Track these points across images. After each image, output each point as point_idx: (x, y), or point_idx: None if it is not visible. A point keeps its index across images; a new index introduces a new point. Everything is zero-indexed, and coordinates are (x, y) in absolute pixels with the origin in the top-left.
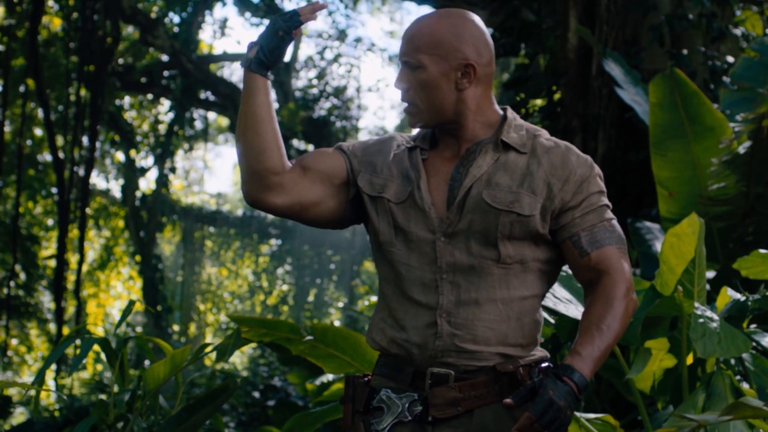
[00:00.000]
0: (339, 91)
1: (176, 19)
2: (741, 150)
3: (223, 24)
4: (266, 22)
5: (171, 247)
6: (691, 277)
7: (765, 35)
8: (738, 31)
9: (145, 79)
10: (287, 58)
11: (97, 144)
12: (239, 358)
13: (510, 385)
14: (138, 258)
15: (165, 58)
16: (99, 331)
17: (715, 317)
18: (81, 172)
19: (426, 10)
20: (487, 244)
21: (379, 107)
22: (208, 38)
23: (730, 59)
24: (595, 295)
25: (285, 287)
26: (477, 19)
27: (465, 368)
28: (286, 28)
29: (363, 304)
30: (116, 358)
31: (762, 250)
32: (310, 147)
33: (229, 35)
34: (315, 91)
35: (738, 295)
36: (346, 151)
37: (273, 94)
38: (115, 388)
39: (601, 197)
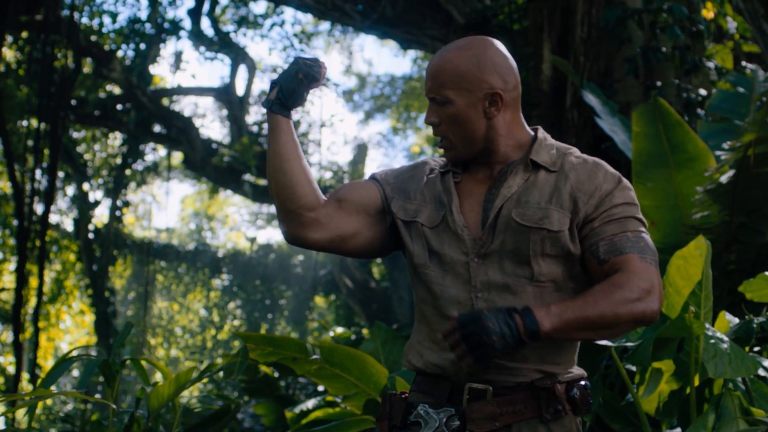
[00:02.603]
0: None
1: (130, 52)
2: (724, 179)
3: (178, 58)
4: (221, 56)
5: (122, 281)
6: (697, 299)
7: (736, 69)
8: (711, 64)
9: (99, 112)
10: (240, 92)
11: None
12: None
13: (548, 402)
14: (90, 291)
15: (119, 91)
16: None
17: (725, 338)
18: (37, 204)
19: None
20: (521, 263)
21: (333, 142)
22: (162, 72)
23: (703, 92)
24: (601, 283)
25: (236, 322)
26: (498, 44)
27: (503, 384)
28: (306, 72)
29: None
30: (114, 380)
31: None
32: (262, 182)
33: (184, 69)
34: None
35: (735, 319)
36: (379, 179)
37: (269, 124)
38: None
39: (627, 208)
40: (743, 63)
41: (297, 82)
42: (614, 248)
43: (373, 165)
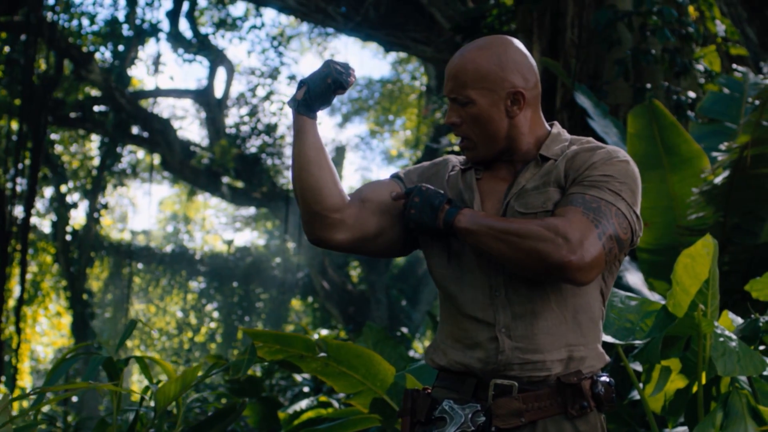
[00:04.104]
0: (270, 129)
1: (109, 54)
2: (718, 181)
3: (157, 60)
4: (199, 58)
5: (99, 284)
6: (704, 297)
7: (727, 71)
8: (701, 67)
9: (76, 114)
10: (218, 94)
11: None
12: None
13: (573, 398)
14: (68, 293)
15: (97, 93)
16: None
17: (734, 337)
18: (16, 207)
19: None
20: None
21: None
22: (141, 74)
23: (692, 94)
24: None
25: (213, 324)
26: (517, 43)
27: (529, 379)
28: (335, 78)
29: None
30: (119, 378)
31: None
32: (240, 184)
33: (162, 71)
34: (246, 128)
35: (738, 318)
36: (402, 178)
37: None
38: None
39: (605, 179)
40: (734, 65)
41: (325, 86)
42: (564, 201)
43: (351, 168)
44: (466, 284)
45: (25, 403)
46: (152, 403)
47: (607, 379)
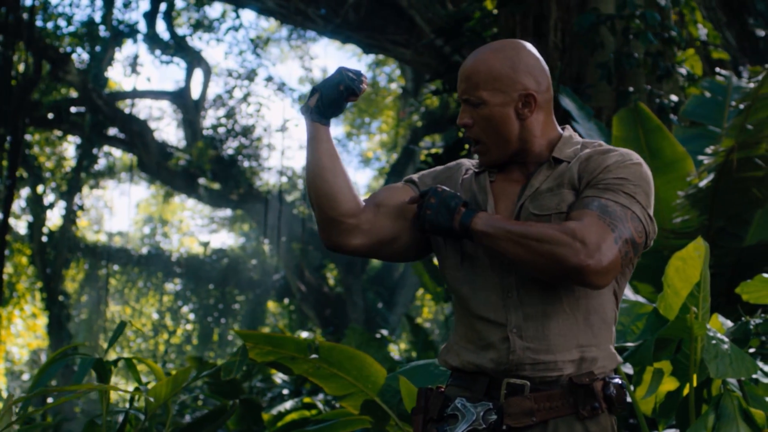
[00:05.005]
0: (247, 130)
1: (86, 55)
2: (703, 184)
3: (134, 61)
4: (176, 60)
5: (75, 285)
6: (696, 300)
7: (706, 74)
8: (683, 70)
9: (53, 115)
10: (195, 96)
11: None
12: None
13: (585, 399)
14: (44, 295)
15: (74, 94)
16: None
17: (726, 339)
18: None
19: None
20: None
21: (287, 147)
22: (118, 75)
23: (674, 98)
24: None
25: (189, 326)
26: (530, 47)
27: (541, 380)
28: (347, 85)
29: None
30: (108, 379)
31: (765, 275)
32: (217, 185)
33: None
34: (223, 129)
35: (728, 321)
36: (416, 182)
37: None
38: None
39: (619, 181)
40: (716, 69)
41: (338, 93)
42: (580, 205)
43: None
44: (479, 286)
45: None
46: (138, 404)
47: (619, 381)
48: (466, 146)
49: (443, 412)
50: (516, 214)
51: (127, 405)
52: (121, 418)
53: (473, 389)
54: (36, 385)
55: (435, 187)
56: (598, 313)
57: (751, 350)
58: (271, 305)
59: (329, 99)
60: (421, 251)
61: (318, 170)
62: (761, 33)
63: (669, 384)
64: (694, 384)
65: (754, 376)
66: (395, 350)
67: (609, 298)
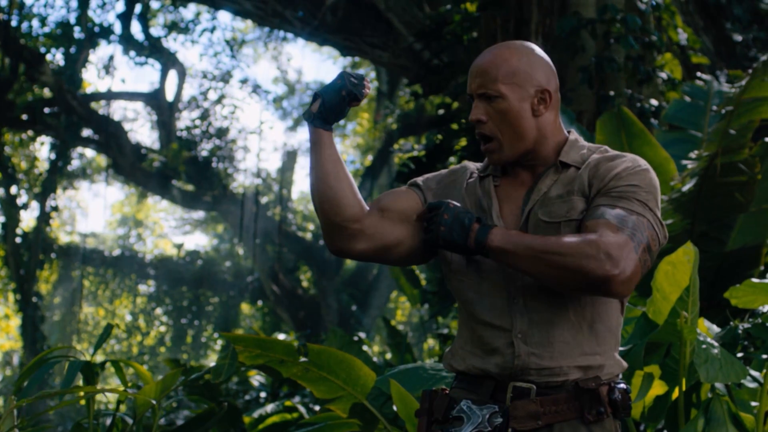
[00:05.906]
0: (222, 132)
1: (60, 56)
2: (686, 189)
3: (108, 62)
4: (151, 61)
5: (48, 286)
6: (685, 304)
7: (685, 79)
8: (664, 75)
9: (27, 116)
10: (170, 97)
11: None
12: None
13: (590, 403)
14: (17, 296)
15: (48, 94)
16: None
17: (716, 344)
18: None
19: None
20: None
21: (262, 149)
22: (92, 77)
23: (654, 102)
24: None
25: (162, 328)
26: (538, 48)
27: (546, 384)
28: (349, 90)
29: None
30: (95, 382)
31: (754, 279)
32: (191, 187)
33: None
34: (198, 131)
35: (714, 326)
36: (420, 186)
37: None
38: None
39: (631, 188)
40: (697, 74)
41: (340, 98)
42: (595, 214)
43: (302, 172)
44: (485, 292)
45: None
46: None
47: (624, 386)
48: (456, 146)
49: (448, 414)
50: (524, 219)
51: (111, 407)
52: (108, 421)
53: (479, 392)
54: (28, 386)
55: (446, 203)
56: (603, 321)
57: (739, 355)
58: (245, 307)
59: (331, 104)
60: (427, 255)
61: (321, 176)
62: (738, 38)
63: (657, 388)
64: (684, 388)
65: (742, 381)
66: (369, 352)
67: (615, 306)
